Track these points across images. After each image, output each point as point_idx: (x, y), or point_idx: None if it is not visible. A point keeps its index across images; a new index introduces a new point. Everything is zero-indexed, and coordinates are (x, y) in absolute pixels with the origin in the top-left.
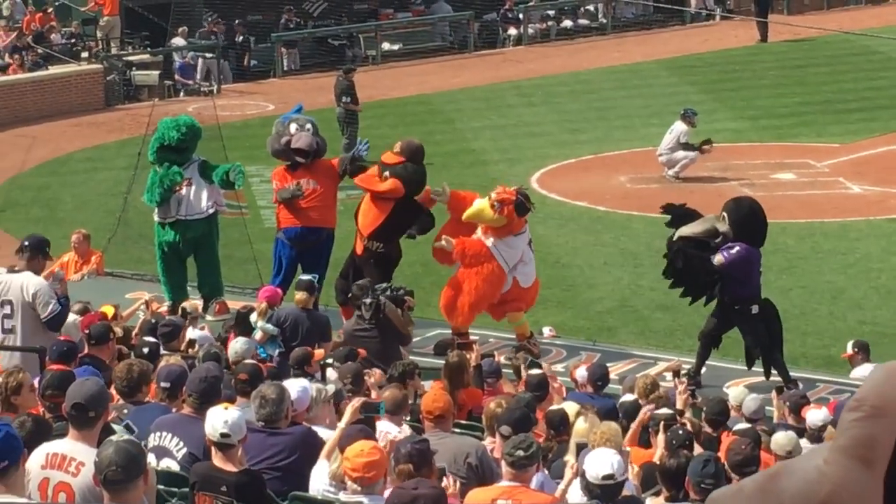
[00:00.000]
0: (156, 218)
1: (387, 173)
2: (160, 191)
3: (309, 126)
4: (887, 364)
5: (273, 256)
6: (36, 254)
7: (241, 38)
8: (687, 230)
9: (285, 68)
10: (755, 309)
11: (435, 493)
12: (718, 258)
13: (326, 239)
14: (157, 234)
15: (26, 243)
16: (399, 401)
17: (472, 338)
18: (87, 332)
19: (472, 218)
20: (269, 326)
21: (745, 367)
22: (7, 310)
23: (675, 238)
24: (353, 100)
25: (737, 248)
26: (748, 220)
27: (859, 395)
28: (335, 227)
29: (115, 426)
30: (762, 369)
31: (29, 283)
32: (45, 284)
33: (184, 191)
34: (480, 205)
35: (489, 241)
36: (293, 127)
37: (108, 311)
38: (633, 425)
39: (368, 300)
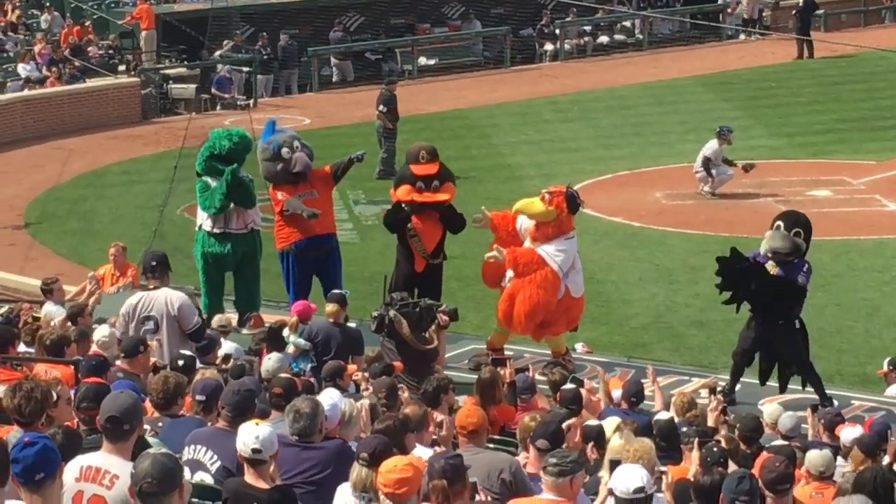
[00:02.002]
0: (206, 227)
1: (436, 182)
2: (220, 197)
3: (297, 143)
4: None
5: (283, 276)
6: (165, 270)
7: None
8: (764, 243)
9: (334, 80)
10: (797, 324)
11: None
12: (802, 279)
13: (336, 246)
14: (202, 245)
15: (153, 263)
16: (420, 417)
17: (506, 353)
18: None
19: (523, 209)
20: (301, 341)
21: (779, 385)
22: (150, 325)
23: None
24: (391, 111)
25: (807, 266)
26: (809, 229)
27: None
28: (335, 232)
29: (150, 439)
30: (776, 384)
31: (172, 297)
32: (187, 298)
33: (233, 205)
34: (530, 199)
35: (540, 248)
36: (285, 151)
37: None
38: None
39: (375, 313)
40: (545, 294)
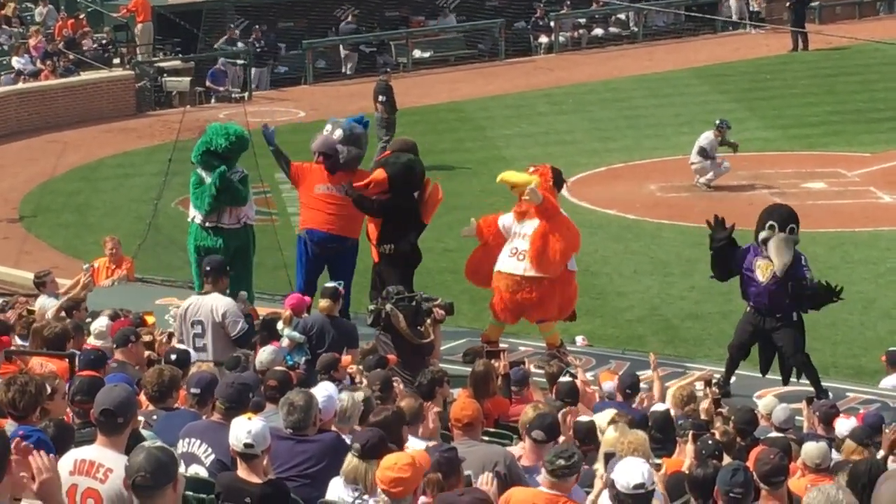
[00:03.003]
0: (198, 221)
1: (373, 167)
2: (209, 199)
3: (339, 132)
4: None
5: (297, 256)
6: (219, 275)
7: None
8: (777, 260)
9: (343, 71)
10: (795, 316)
11: (478, 499)
12: (809, 275)
13: (350, 248)
14: (194, 238)
15: (208, 268)
16: (415, 410)
17: (501, 346)
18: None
19: (506, 177)
20: (296, 334)
21: (777, 378)
22: (198, 329)
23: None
24: (389, 101)
25: (804, 259)
26: (798, 220)
27: None
28: (358, 238)
29: (144, 432)
30: (780, 376)
31: (218, 304)
32: (234, 305)
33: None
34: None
35: None
36: (326, 127)
37: (150, 318)
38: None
39: (371, 307)
40: (573, 236)
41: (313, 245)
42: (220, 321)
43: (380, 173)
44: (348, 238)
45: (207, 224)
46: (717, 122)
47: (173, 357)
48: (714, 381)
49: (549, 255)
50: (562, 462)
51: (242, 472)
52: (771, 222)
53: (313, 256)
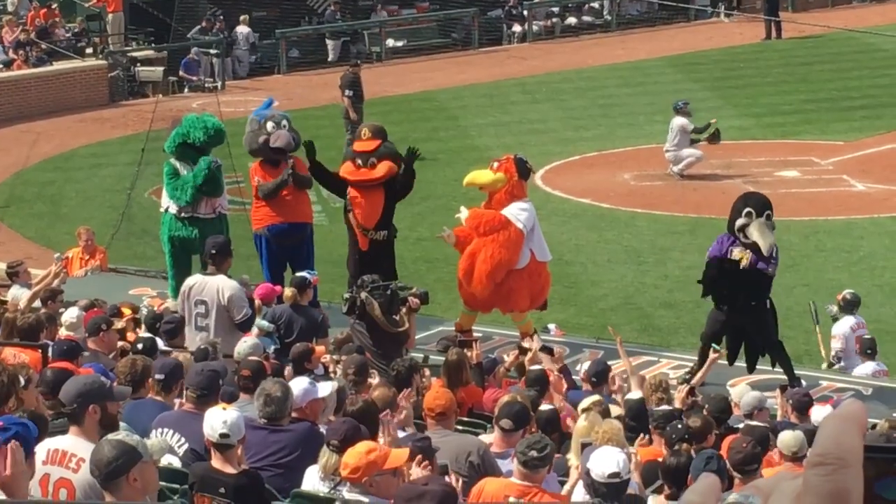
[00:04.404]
0: (172, 211)
1: (373, 159)
2: (192, 191)
3: (285, 123)
4: (836, 413)
5: (259, 254)
6: (224, 257)
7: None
8: (762, 241)
9: (329, 59)
10: (768, 304)
11: (443, 490)
12: (772, 270)
13: (310, 233)
14: (168, 228)
15: (213, 251)
16: (389, 400)
17: (474, 335)
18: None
19: (473, 181)
20: (265, 323)
21: (747, 366)
22: (201, 309)
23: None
24: (357, 94)
25: (775, 251)
26: (771, 206)
27: (819, 449)
28: (312, 222)
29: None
30: (745, 364)
31: (224, 286)
32: (240, 289)
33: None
34: (479, 170)
35: (502, 211)
36: (270, 125)
37: (127, 311)
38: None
39: (346, 295)
40: (507, 253)
41: (274, 239)
42: (225, 304)
43: (389, 166)
44: (307, 224)
45: (183, 214)
46: (674, 105)
47: (139, 346)
48: (686, 371)
49: (474, 278)
50: (534, 454)
51: (216, 462)
52: (748, 209)
53: (273, 251)
